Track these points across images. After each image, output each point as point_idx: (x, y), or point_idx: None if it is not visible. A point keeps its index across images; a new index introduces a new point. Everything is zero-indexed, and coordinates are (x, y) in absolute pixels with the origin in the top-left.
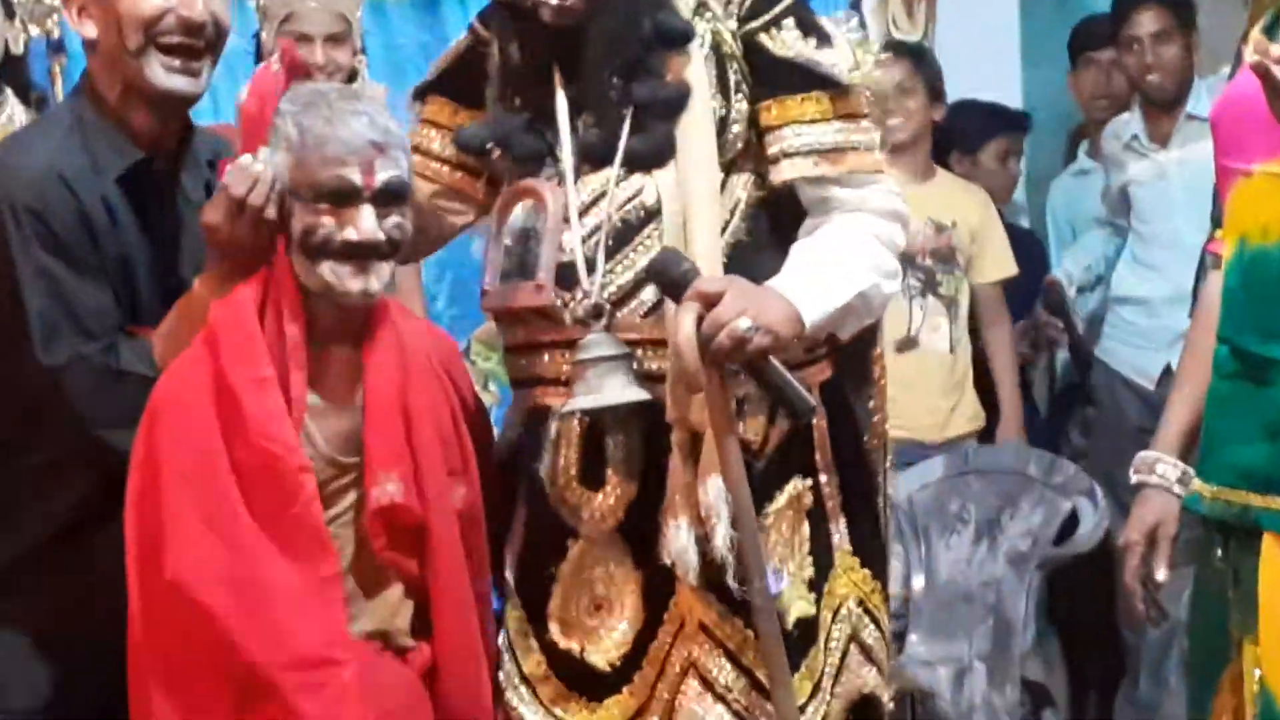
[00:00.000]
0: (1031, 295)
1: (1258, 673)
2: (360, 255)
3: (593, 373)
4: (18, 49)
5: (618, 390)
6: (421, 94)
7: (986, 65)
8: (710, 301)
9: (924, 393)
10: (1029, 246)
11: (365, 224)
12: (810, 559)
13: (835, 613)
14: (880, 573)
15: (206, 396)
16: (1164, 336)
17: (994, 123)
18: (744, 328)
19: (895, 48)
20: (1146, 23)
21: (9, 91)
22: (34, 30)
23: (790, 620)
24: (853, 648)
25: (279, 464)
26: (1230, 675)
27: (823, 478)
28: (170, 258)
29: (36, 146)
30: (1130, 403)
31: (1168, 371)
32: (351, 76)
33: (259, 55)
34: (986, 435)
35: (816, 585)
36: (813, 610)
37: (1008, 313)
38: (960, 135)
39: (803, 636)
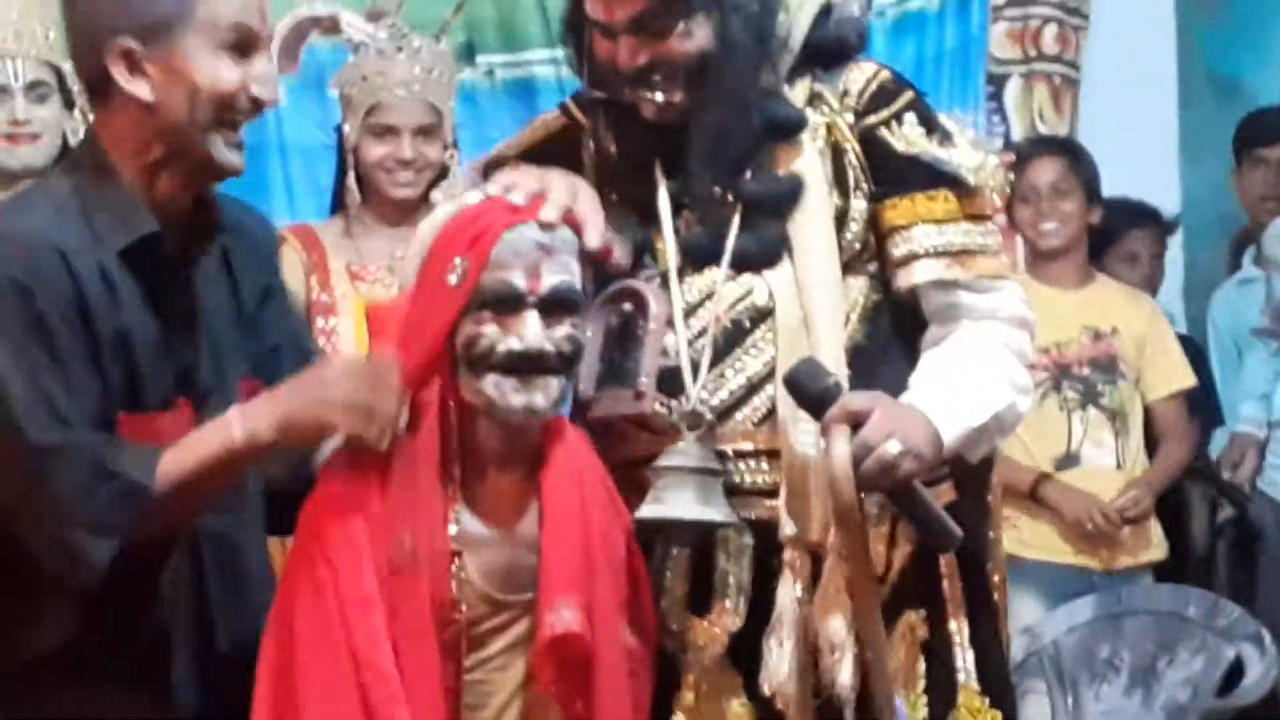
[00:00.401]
0: (1193, 407)
1: None
2: (525, 368)
3: (663, 483)
4: (74, 140)
5: (684, 505)
6: (496, 167)
7: (1140, 161)
8: (858, 422)
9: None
10: (1192, 357)
11: (530, 332)
12: (925, 697)
13: None
14: (1010, 712)
15: (322, 599)
16: None
17: (1127, 217)
18: (895, 452)
19: (1047, 143)
20: None
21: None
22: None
23: None
24: None
25: (371, 693)
26: None
27: (949, 608)
28: (179, 335)
29: (30, 216)
30: None
31: None
32: (443, 173)
33: (341, 149)
34: (1169, 571)
35: (938, 708)
36: None
37: (1187, 430)
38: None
39: None
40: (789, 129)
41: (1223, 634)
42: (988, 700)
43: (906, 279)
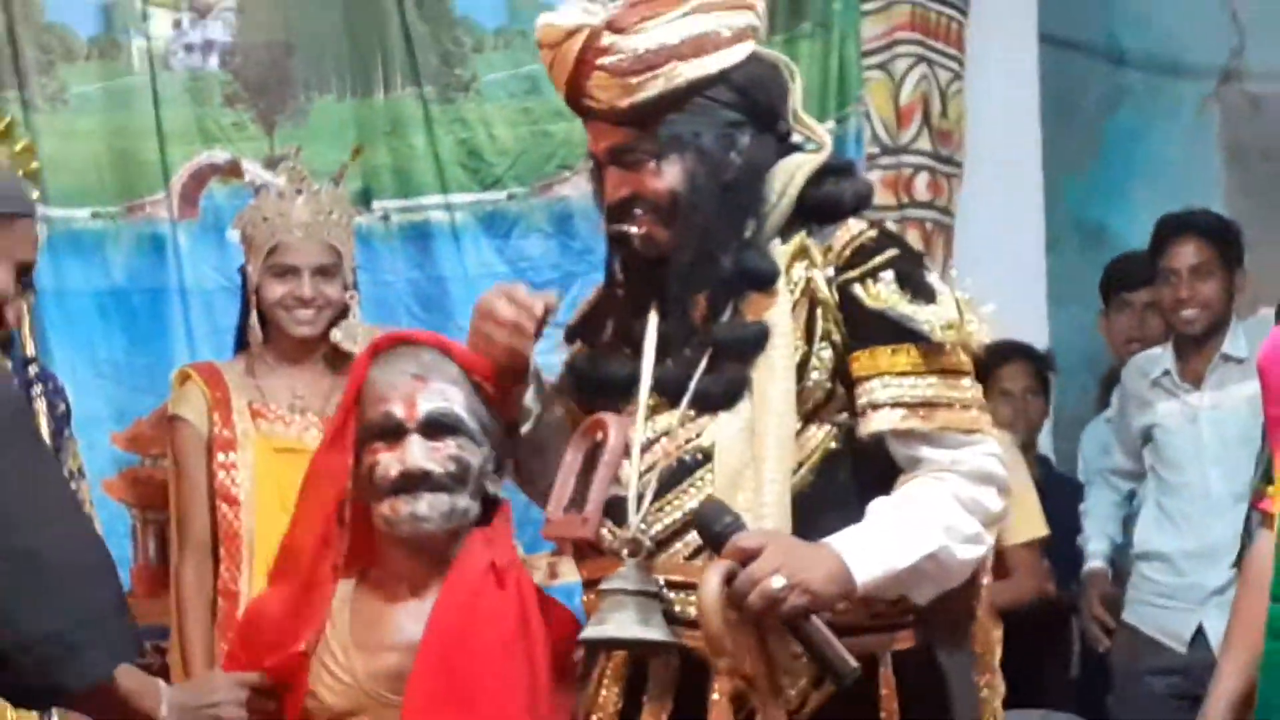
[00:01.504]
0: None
1: None
2: (411, 486)
3: (606, 604)
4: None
5: (626, 626)
6: (570, 337)
7: (1010, 303)
8: (747, 558)
9: None
10: (1070, 495)
11: (411, 454)
12: None
13: None
14: None
15: None
16: (1194, 595)
17: (999, 353)
18: (776, 586)
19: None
20: (1187, 255)
21: None
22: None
23: None
24: None
25: None
26: None
27: None
28: None
29: None
30: (1158, 669)
31: (1199, 632)
32: (343, 313)
33: (245, 289)
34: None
35: None
36: None
37: (1037, 569)
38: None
39: None
40: (762, 280)
41: None
42: None
43: (865, 428)
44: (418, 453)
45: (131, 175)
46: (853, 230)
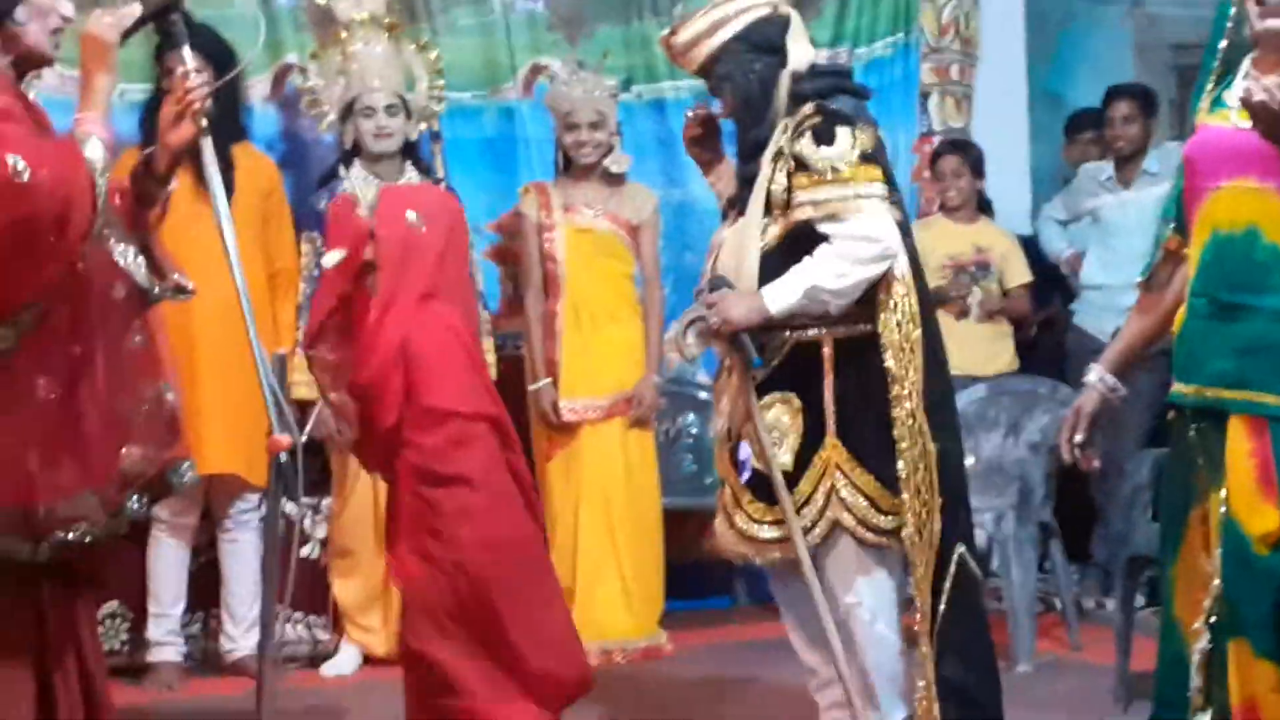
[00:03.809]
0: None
1: (1224, 509)
2: None
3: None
4: (414, 137)
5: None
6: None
7: (1006, 142)
8: (709, 304)
9: (979, 347)
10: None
11: None
12: (799, 438)
13: (824, 473)
14: (866, 457)
15: None
16: (1116, 308)
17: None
18: (711, 320)
19: (951, 144)
20: (1122, 109)
21: (409, 163)
22: (422, 125)
23: (776, 467)
24: (835, 501)
25: None
26: (1198, 513)
27: (827, 398)
28: None
29: None
30: (1093, 352)
31: (1117, 332)
32: (608, 150)
33: (556, 141)
34: (1027, 370)
35: (805, 453)
36: (788, 465)
37: (1027, 300)
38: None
39: (789, 478)
40: (763, 143)
41: (1059, 402)
42: (843, 443)
43: (791, 218)
44: None
45: (494, 72)
46: (804, 111)
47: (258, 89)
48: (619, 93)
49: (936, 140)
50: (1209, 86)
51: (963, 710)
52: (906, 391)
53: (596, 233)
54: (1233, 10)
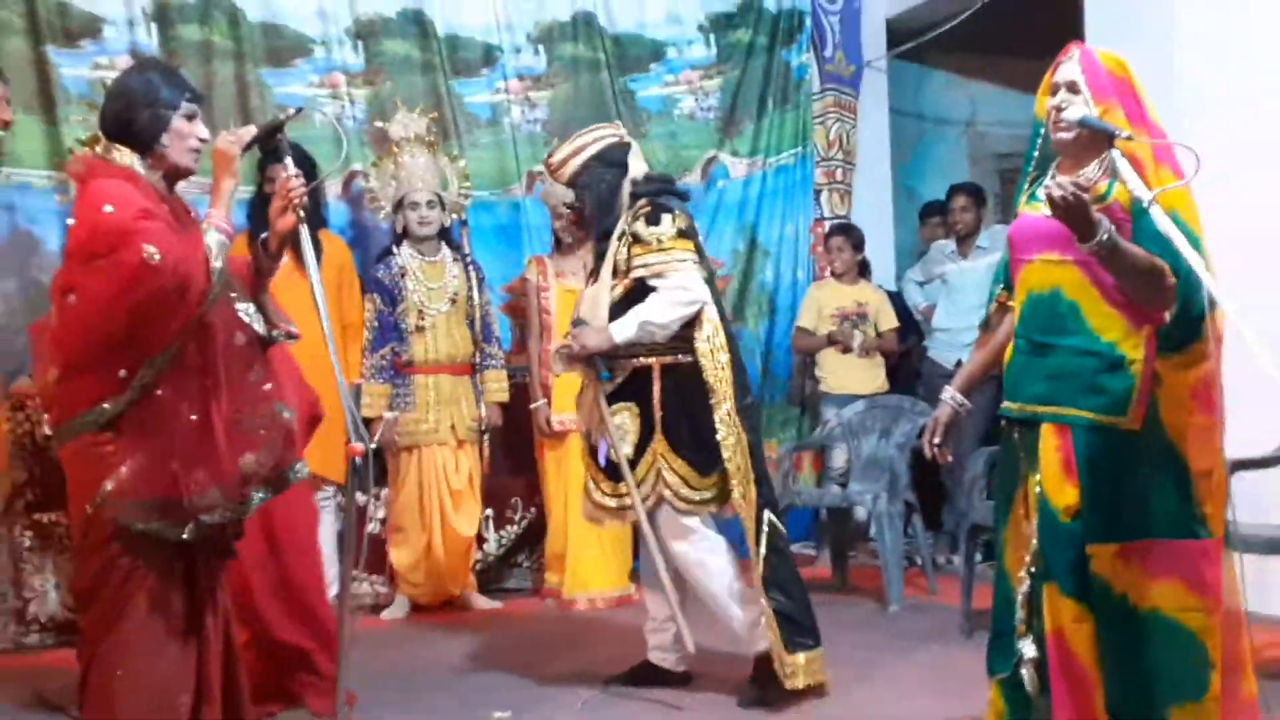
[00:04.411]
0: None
1: (1038, 489)
2: None
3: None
4: (448, 224)
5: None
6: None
7: (875, 225)
8: (573, 338)
9: (858, 373)
10: (903, 304)
11: None
12: (637, 435)
13: (653, 460)
14: (681, 449)
15: None
16: (958, 346)
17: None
18: (574, 346)
19: (838, 226)
20: (960, 201)
21: (444, 243)
22: (454, 216)
23: (622, 455)
24: (660, 479)
25: None
26: (1021, 493)
27: (655, 406)
28: None
29: None
30: (942, 377)
31: (959, 364)
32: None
33: (551, 226)
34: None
35: (641, 445)
36: (630, 454)
37: (895, 343)
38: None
39: (630, 464)
40: (611, 230)
41: (917, 414)
42: (666, 442)
43: (632, 277)
44: None
45: (505, 176)
46: (640, 204)
47: (332, 189)
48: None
49: (827, 224)
50: (1026, 185)
51: (786, 625)
52: (722, 397)
53: (579, 293)
54: (1043, 129)
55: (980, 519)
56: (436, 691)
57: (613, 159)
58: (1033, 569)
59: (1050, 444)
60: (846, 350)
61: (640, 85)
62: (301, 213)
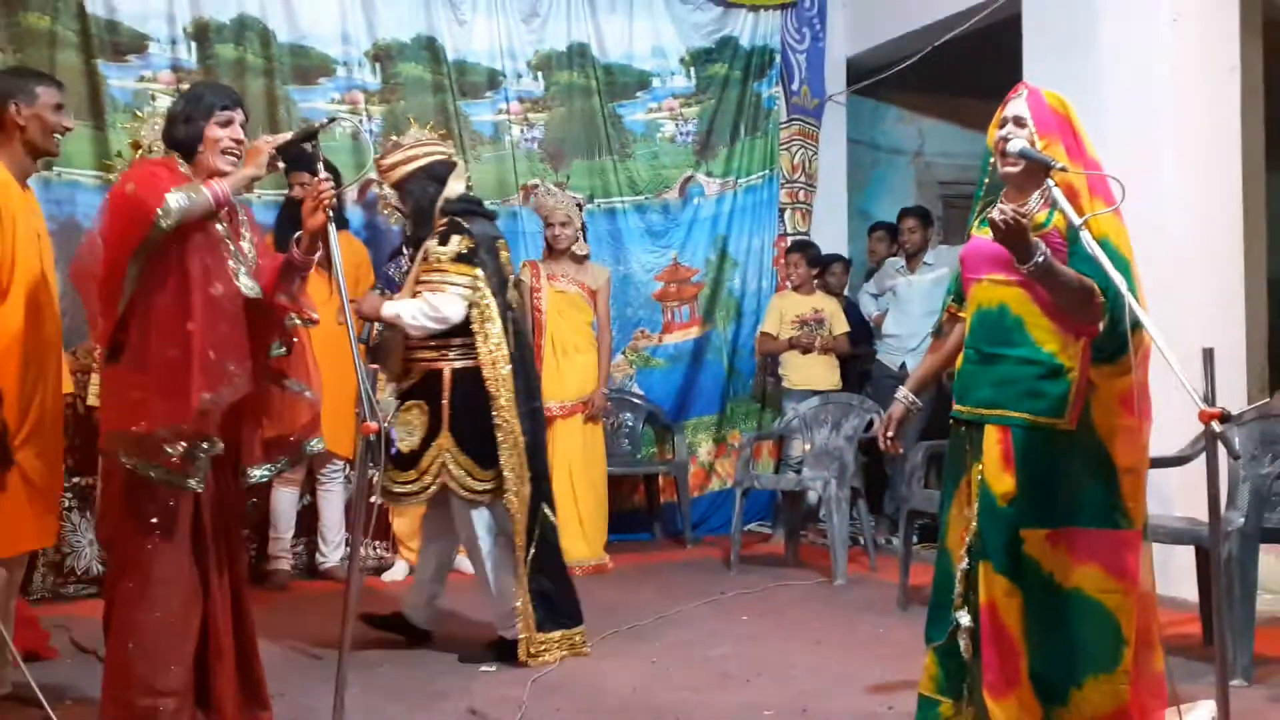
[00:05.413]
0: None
1: (980, 477)
2: None
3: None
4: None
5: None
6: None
7: (831, 242)
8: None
9: (817, 371)
10: (859, 313)
11: None
12: (424, 430)
13: (439, 452)
14: (465, 443)
15: None
16: (904, 350)
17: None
18: (360, 305)
19: (797, 243)
20: (909, 222)
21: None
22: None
23: (406, 448)
24: (445, 470)
25: None
26: (965, 480)
27: (444, 405)
28: None
29: None
30: (889, 378)
31: (903, 366)
32: (575, 240)
33: (544, 236)
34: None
35: (427, 438)
36: (415, 446)
37: (848, 346)
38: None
39: (417, 454)
40: (423, 238)
41: (866, 410)
42: (452, 437)
43: (420, 284)
44: None
45: (504, 188)
46: (440, 222)
47: (350, 195)
48: (585, 203)
49: (789, 240)
50: (978, 210)
51: (547, 608)
52: (503, 404)
53: (568, 294)
54: (992, 159)
55: (918, 504)
56: (427, 646)
57: (436, 174)
58: (972, 548)
59: (993, 438)
60: (807, 351)
61: (627, 110)
62: (330, 212)
